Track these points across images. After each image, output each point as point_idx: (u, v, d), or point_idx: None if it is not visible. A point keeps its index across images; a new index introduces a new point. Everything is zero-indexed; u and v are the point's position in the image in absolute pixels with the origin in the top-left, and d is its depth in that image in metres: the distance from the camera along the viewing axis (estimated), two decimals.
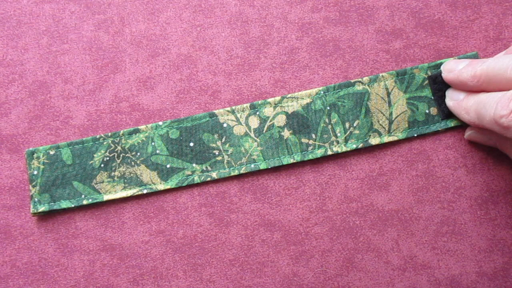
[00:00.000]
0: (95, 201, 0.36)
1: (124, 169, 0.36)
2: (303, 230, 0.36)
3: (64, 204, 0.36)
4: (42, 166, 0.36)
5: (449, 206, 0.36)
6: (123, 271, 0.36)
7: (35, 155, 0.36)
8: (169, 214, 0.36)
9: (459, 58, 0.36)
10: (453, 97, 0.35)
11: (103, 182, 0.36)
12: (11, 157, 0.37)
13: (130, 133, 0.36)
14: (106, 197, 0.36)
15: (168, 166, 0.36)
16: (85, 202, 0.36)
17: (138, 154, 0.36)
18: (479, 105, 0.32)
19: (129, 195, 0.36)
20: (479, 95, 0.32)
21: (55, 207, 0.36)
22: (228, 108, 0.36)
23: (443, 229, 0.35)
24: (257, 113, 0.36)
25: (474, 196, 0.36)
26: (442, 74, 0.35)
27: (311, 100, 0.36)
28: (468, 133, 0.36)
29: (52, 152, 0.36)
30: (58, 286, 0.36)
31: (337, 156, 0.36)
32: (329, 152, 0.36)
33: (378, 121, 0.36)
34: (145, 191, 0.36)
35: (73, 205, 0.36)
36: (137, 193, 0.36)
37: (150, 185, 0.36)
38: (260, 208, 0.36)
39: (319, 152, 0.36)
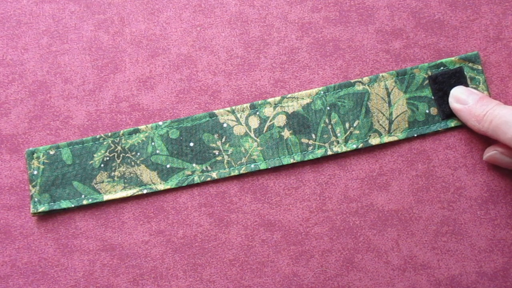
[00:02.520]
0: (95, 201, 0.36)
1: (124, 169, 0.36)
2: (303, 230, 0.36)
3: (64, 204, 0.36)
4: (42, 166, 0.36)
5: (449, 206, 0.36)
6: (123, 271, 0.36)
7: (35, 155, 0.36)
8: (169, 214, 0.36)
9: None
10: (460, 101, 0.35)
11: (103, 182, 0.36)
12: (11, 157, 0.37)
13: (130, 133, 0.36)
14: (106, 197, 0.36)
15: (168, 166, 0.36)
16: (85, 202, 0.36)
17: (138, 154, 0.36)
18: (500, 119, 0.32)
19: (129, 195, 0.36)
20: (500, 109, 0.32)
21: (55, 207, 0.36)
22: (228, 108, 0.36)
23: (443, 229, 0.35)
24: (257, 113, 0.36)
25: (474, 196, 0.36)
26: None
27: (311, 100, 0.36)
28: (489, 154, 0.35)
29: (52, 152, 0.36)
30: (58, 286, 0.36)
31: (337, 156, 0.36)
32: (329, 152, 0.36)
33: (378, 121, 0.36)
34: (145, 191, 0.36)
35: (73, 205, 0.36)
36: (137, 193, 0.36)
37: (150, 185, 0.36)
38: (260, 208, 0.36)
39: (319, 152, 0.36)
